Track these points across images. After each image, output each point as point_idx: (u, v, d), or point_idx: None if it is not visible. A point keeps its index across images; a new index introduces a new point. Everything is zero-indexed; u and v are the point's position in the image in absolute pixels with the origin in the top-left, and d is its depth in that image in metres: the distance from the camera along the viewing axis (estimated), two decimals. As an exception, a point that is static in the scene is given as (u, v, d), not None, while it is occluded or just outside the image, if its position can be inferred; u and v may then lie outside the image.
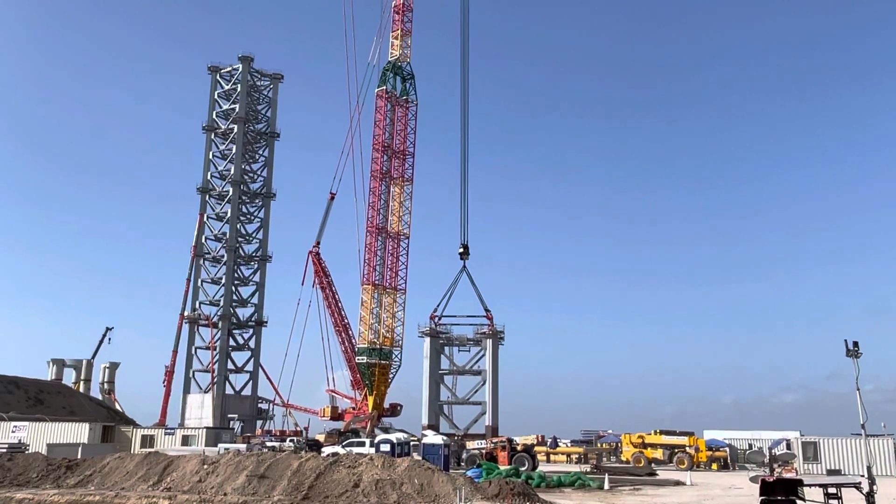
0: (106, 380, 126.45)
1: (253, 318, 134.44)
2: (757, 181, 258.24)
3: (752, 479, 26.17)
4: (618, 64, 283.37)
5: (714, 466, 70.36)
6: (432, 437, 57.03)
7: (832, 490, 23.52)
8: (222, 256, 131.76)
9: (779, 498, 22.88)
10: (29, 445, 59.06)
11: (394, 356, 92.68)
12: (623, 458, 78.04)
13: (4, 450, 52.16)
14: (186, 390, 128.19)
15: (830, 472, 52.29)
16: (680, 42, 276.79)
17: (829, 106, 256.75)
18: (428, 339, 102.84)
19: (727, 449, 74.87)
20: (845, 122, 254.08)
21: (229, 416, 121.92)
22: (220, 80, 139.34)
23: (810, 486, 23.85)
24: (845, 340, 27.87)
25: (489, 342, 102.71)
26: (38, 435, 64.59)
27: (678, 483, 49.13)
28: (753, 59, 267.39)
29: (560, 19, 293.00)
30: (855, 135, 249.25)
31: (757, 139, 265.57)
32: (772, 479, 23.45)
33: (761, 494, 23.22)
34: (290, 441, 77.90)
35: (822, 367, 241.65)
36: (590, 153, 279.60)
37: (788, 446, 62.13)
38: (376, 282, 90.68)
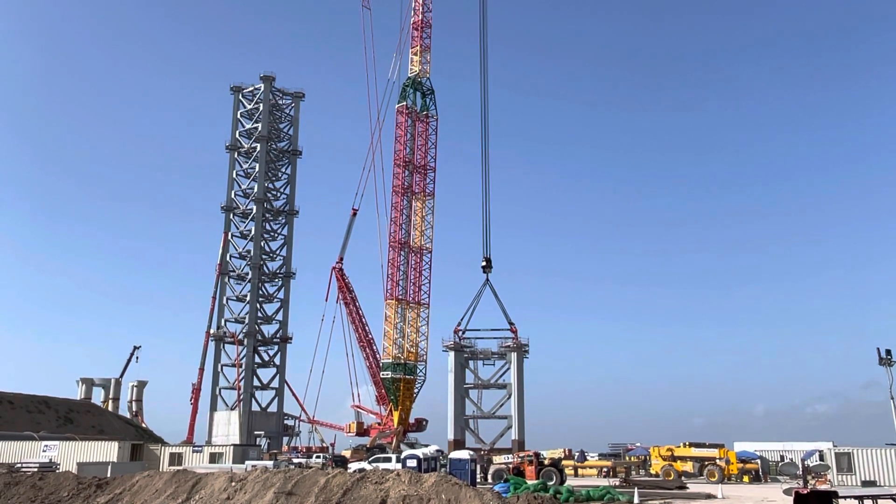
0: (134, 398, 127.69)
1: (278, 335, 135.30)
2: (790, 182, 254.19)
3: (786, 492, 25.79)
4: (655, 66, 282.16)
5: (745, 479, 69.22)
6: (457, 453, 56.81)
7: (868, 502, 23.07)
8: (247, 274, 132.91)
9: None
10: (59, 464, 59.56)
11: (418, 371, 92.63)
12: (652, 472, 76.99)
13: (35, 469, 52.65)
14: (213, 408, 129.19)
15: (865, 484, 51.20)
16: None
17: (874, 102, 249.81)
18: (452, 354, 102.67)
19: (759, 461, 73.59)
20: (882, 120, 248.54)
21: (256, 432, 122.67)
22: (242, 99, 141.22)
23: (845, 498, 23.41)
24: (878, 348, 27.47)
25: (514, 355, 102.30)
26: (68, 454, 65.13)
27: (710, 496, 48.36)
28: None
29: (585, 22, 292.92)
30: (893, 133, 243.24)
31: (790, 136, 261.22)
32: (805, 492, 23.03)
33: (795, 507, 22.78)
34: (317, 457, 78.02)
35: (858, 376, 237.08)
36: (614, 158, 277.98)
37: (821, 457, 60.87)
38: (400, 296, 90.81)
